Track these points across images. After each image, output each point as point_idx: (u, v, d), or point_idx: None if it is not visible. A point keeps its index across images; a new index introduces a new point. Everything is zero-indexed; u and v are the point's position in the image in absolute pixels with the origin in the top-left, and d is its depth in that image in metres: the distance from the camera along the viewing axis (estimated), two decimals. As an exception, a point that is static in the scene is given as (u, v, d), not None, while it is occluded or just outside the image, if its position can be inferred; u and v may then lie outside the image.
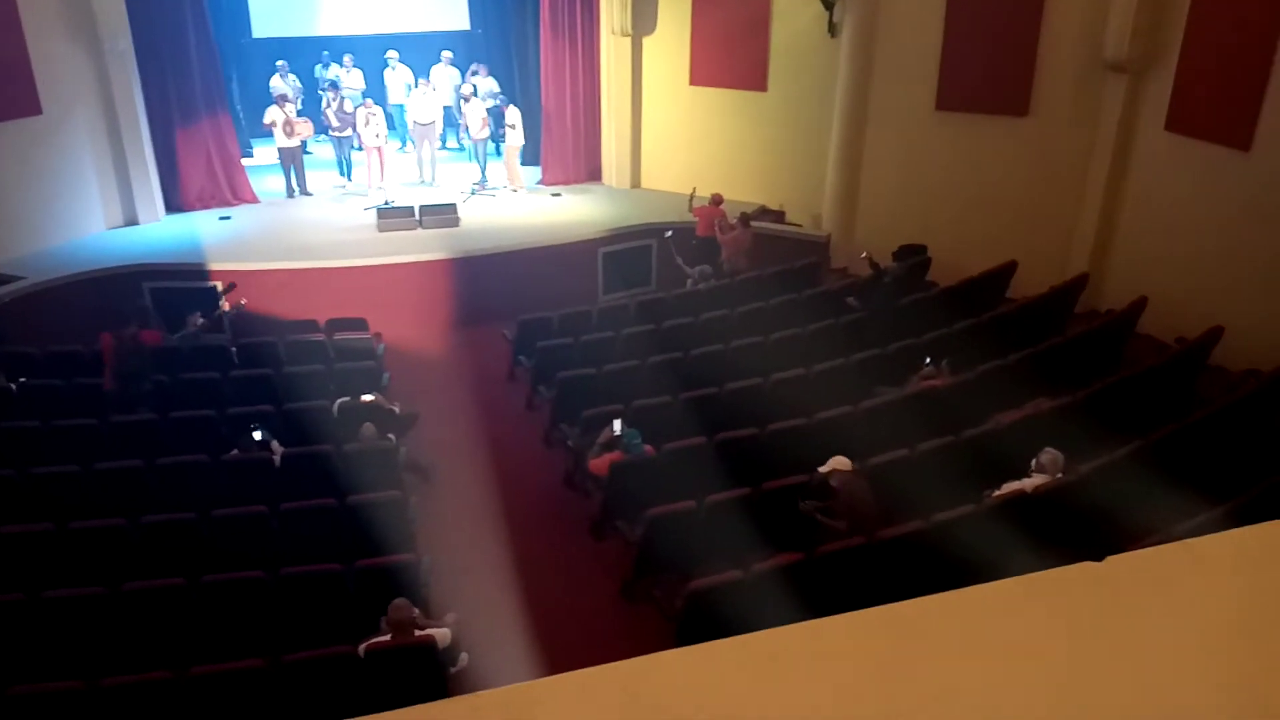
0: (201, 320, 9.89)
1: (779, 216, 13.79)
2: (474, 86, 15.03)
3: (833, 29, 12.65)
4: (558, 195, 14.63)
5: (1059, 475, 6.57)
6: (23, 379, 8.85)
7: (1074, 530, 6.08)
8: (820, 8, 12.58)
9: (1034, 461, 6.66)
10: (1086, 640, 1.50)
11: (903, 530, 6.42)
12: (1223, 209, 9.60)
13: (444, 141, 16.32)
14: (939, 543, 6.06)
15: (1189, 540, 1.72)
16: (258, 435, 7.53)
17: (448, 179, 14.97)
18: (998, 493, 6.66)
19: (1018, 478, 6.73)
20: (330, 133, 14.82)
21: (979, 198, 12.03)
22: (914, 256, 11.64)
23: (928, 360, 8.60)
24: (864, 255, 11.00)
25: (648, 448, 7.63)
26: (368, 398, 8.30)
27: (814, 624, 1.55)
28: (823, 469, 6.76)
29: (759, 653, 1.50)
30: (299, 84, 15.40)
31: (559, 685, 1.46)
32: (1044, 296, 10.33)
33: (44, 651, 5.72)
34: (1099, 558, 1.65)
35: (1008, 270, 11.05)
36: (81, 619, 5.84)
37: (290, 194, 14.34)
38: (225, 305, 10.42)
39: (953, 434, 7.51)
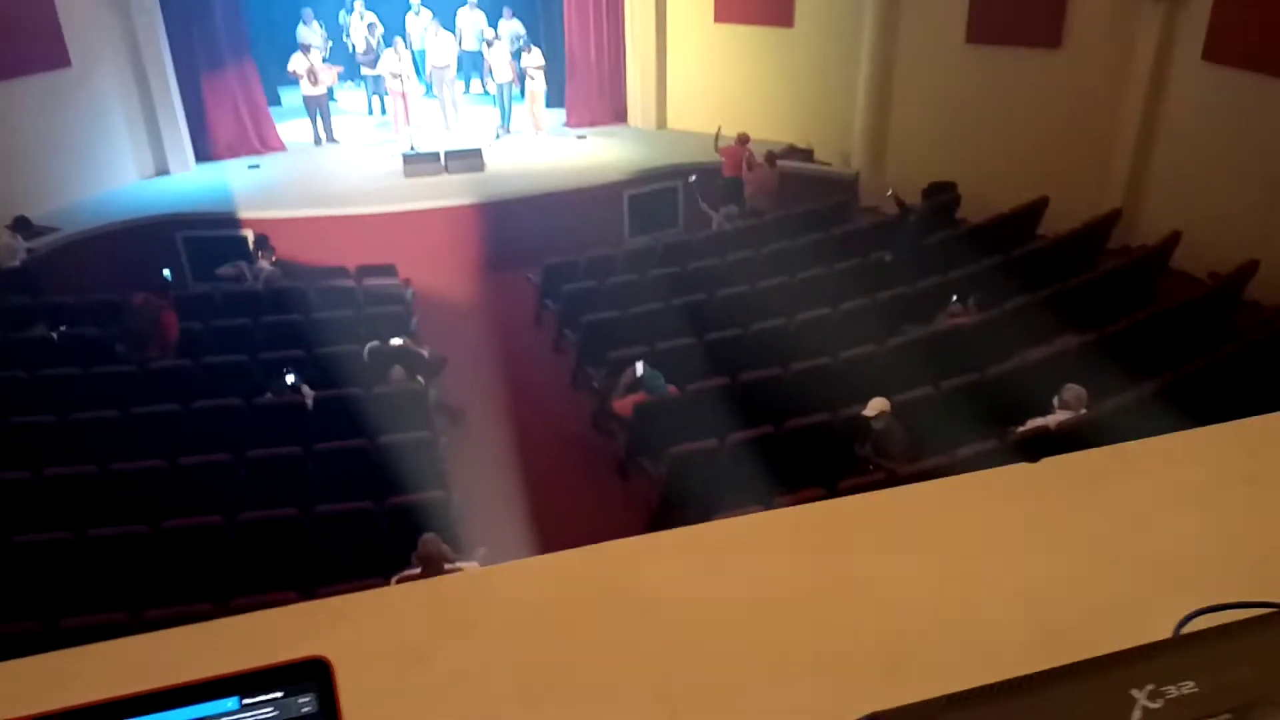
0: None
1: (807, 155, 13.62)
2: (497, 30, 14.91)
3: (860, -39, 12.37)
4: (583, 138, 14.55)
5: (1082, 411, 6.55)
6: (63, 328, 9.07)
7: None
8: (848, -61, 12.31)
9: (1056, 398, 6.64)
10: (1011, 532, 1.59)
11: (924, 467, 6.45)
12: (1260, 141, 9.36)
13: (467, 86, 16.29)
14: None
15: (1121, 444, 1.80)
16: (290, 379, 7.68)
17: (472, 124, 14.92)
18: (1021, 429, 6.67)
19: (1042, 414, 6.73)
20: (358, 60, 14.85)
21: (1011, 133, 11.80)
22: (943, 194, 11.50)
23: (954, 298, 8.54)
24: (889, 194, 10.88)
25: (671, 388, 7.69)
26: (397, 342, 8.41)
27: (764, 515, 1.66)
28: (866, 412, 6.80)
29: (708, 541, 1.62)
30: (324, 31, 15.35)
31: (519, 568, 1.60)
32: (1075, 233, 10.18)
33: (89, 587, 5.95)
34: (1034, 459, 1.74)
35: (1039, 206, 10.89)
36: (124, 556, 6.06)
37: (318, 142, 14.39)
38: (264, 263, 10.59)
39: (978, 372, 7.49)
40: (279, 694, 0.92)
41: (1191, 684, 0.95)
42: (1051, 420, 6.54)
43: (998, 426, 6.84)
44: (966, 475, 1.82)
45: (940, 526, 1.65)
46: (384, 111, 15.19)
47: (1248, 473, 1.71)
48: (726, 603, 1.45)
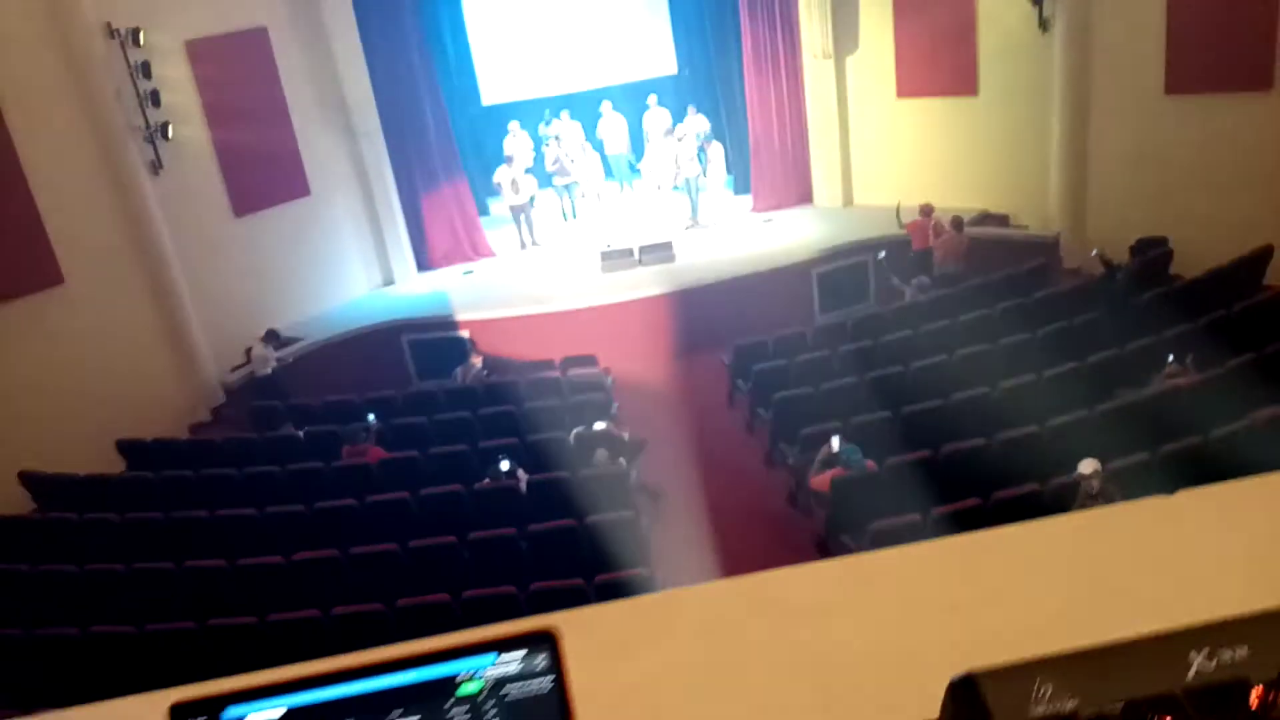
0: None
1: (1003, 220, 13.35)
2: (680, 127, 15.60)
3: (1044, 24, 12.18)
4: (769, 221, 14.86)
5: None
6: (308, 428, 10.11)
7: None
8: (1028, 4, 12.17)
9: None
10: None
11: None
12: None
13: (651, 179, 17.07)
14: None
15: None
16: (505, 465, 8.22)
17: (664, 216, 15.54)
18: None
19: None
20: (554, 180, 15.86)
21: (1223, 182, 11.12)
22: (1152, 250, 10.95)
23: (1170, 358, 8.09)
24: (1094, 253, 10.48)
25: (869, 463, 7.66)
26: (600, 426, 8.83)
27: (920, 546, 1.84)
28: (1082, 469, 6.57)
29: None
30: (530, 141, 16.50)
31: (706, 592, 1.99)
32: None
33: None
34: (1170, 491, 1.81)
35: (1262, 256, 10.15)
36: (362, 633, 6.63)
37: (523, 246, 15.42)
38: (477, 361, 11.56)
39: (1200, 436, 7.03)
40: (524, 651, 1.27)
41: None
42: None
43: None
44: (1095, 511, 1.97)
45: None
46: (575, 215, 16.12)
47: None
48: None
